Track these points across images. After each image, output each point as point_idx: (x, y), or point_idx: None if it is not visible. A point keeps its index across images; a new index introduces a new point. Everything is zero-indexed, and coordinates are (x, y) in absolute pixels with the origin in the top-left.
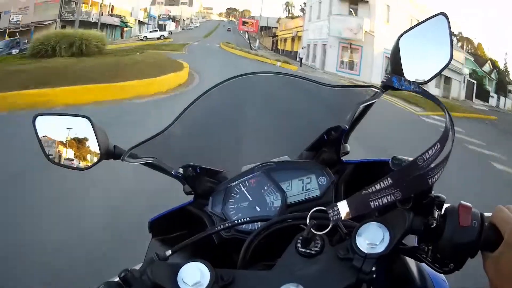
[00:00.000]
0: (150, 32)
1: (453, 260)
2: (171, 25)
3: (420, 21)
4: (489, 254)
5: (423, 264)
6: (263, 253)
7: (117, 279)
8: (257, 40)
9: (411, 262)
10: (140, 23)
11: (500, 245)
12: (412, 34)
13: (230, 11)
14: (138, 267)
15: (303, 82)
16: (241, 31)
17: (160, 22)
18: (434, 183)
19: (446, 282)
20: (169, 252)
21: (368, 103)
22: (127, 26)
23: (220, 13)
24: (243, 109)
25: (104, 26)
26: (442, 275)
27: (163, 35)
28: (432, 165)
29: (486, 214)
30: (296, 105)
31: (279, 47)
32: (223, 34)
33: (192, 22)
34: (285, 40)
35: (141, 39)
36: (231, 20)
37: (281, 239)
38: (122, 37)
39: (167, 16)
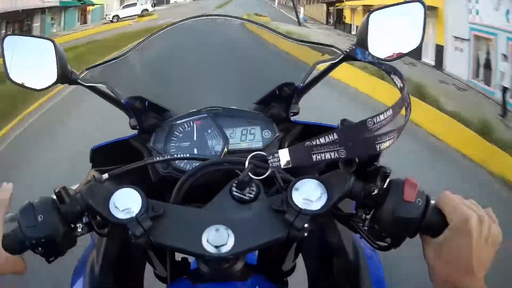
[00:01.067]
0: (124, 7)
1: (390, 235)
2: None
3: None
4: (430, 239)
5: (358, 238)
6: (197, 196)
7: (54, 196)
8: (302, 9)
9: (346, 234)
10: None
11: (443, 231)
12: (383, 12)
13: None
14: (74, 187)
15: (265, 32)
16: None
17: None
18: (381, 151)
19: (381, 263)
20: (106, 175)
21: (325, 63)
22: (86, 3)
23: None
24: (202, 51)
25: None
26: (377, 254)
27: (146, 9)
28: (382, 131)
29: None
30: (255, 55)
31: (346, 21)
32: (245, 2)
33: None
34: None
35: (111, 21)
36: None
37: (217, 184)
38: (85, 21)
39: None
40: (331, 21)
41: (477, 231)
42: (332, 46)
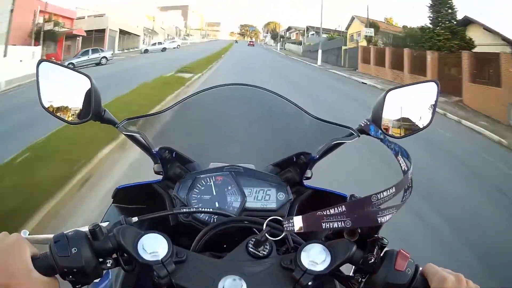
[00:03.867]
0: None
1: None
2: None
3: (412, 83)
4: None
5: None
6: (211, 245)
7: (85, 229)
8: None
9: None
10: None
11: None
12: (400, 92)
13: (246, 29)
14: (104, 225)
15: (289, 105)
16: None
17: None
18: (382, 224)
19: None
20: (135, 219)
21: (342, 141)
22: None
23: (232, 33)
24: (230, 114)
25: None
26: None
27: None
28: (383, 206)
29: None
30: (276, 122)
31: None
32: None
33: (163, 42)
34: None
35: None
36: (250, 40)
37: (230, 237)
38: None
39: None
40: None
41: None
42: (350, 128)
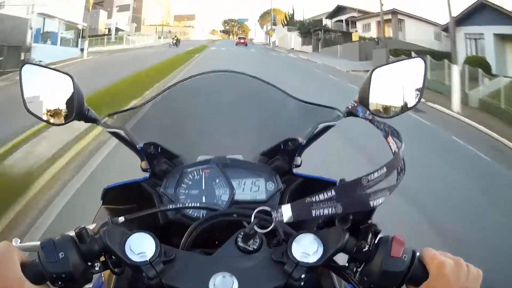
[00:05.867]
0: None
1: (378, 286)
2: None
3: (398, 59)
4: None
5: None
6: (202, 241)
7: (72, 233)
8: None
9: (339, 284)
10: None
11: (425, 281)
12: (385, 69)
13: (232, 25)
14: (91, 227)
15: (273, 90)
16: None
17: None
18: (375, 208)
19: None
20: (122, 219)
21: (328, 124)
22: None
23: (214, 30)
24: (213, 103)
25: None
26: None
27: None
28: (375, 188)
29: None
30: (262, 109)
31: None
32: None
33: None
34: None
35: None
36: (239, 37)
37: (221, 232)
38: None
39: None
40: None
41: (454, 274)
42: (334, 108)
